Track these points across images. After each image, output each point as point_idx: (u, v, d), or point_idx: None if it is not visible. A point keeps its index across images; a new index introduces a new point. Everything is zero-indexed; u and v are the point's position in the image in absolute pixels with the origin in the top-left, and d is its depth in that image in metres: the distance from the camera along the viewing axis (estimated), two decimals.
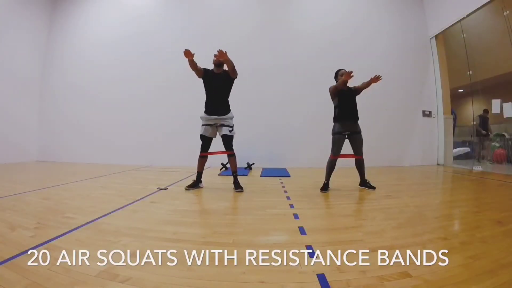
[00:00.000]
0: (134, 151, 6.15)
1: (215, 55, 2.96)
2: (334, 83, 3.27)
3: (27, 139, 6.50)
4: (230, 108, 3.20)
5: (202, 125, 3.15)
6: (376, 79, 2.99)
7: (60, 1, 6.91)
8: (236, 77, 3.13)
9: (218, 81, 3.10)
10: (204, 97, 3.18)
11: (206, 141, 3.13)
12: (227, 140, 3.08)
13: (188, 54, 2.85)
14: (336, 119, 3.16)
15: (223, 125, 3.11)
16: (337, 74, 3.24)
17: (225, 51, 2.86)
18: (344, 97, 3.13)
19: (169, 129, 6.03)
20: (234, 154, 3.14)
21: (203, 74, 3.12)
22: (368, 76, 3.13)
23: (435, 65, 6.21)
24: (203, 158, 3.16)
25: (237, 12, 6.19)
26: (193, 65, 2.97)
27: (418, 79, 6.21)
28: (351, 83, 3.10)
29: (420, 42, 6.26)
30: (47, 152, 6.61)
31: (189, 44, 6.21)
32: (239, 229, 1.77)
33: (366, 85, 3.10)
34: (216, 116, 3.09)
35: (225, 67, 3.08)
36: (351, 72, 2.80)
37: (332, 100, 3.23)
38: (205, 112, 3.14)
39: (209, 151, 3.19)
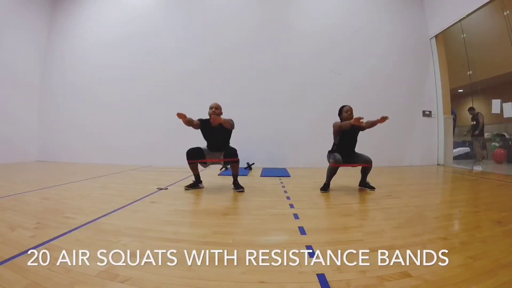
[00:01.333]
0: (134, 151, 6.15)
1: (210, 112, 3.02)
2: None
3: (27, 139, 6.50)
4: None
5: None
6: (382, 120, 2.80)
7: (60, 1, 6.92)
8: (233, 129, 3.13)
9: (216, 132, 3.08)
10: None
11: (198, 155, 3.05)
12: (233, 151, 3.03)
13: (180, 116, 2.85)
14: (333, 151, 3.08)
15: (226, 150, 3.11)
16: (341, 111, 3.11)
17: (218, 117, 2.85)
18: (347, 137, 3.04)
19: (169, 129, 6.01)
20: (238, 161, 3.09)
21: (201, 126, 3.10)
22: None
23: (435, 65, 6.21)
24: (193, 164, 3.09)
25: (237, 13, 6.19)
26: (188, 123, 2.99)
27: (418, 79, 6.21)
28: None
29: (420, 42, 6.26)
30: (47, 152, 6.61)
31: (190, 44, 6.27)
32: (239, 229, 1.77)
33: (371, 125, 2.91)
34: (220, 152, 3.12)
35: None
36: (361, 118, 2.65)
37: (334, 137, 3.12)
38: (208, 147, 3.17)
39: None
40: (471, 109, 6.16)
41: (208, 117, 3.13)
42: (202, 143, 3.21)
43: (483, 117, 6.08)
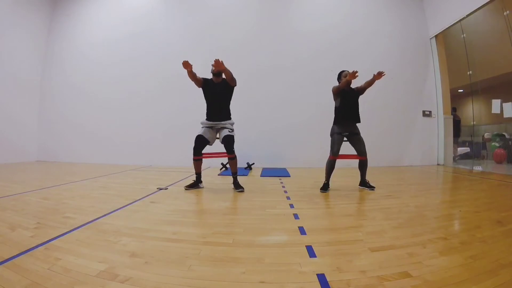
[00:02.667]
0: (134, 151, 6.15)
1: (212, 65, 2.95)
2: (336, 83, 3.24)
3: (27, 139, 6.50)
4: (232, 114, 3.20)
5: (202, 127, 3.14)
6: (379, 75, 2.94)
7: (60, 1, 6.92)
8: (235, 85, 3.12)
9: (217, 90, 3.09)
10: (204, 102, 3.18)
11: (200, 143, 3.06)
12: (228, 142, 3.03)
13: (186, 65, 2.86)
14: (335, 121, 3.13)
15: (223, 127, 3.10)
16: (340, 75, 3.19)
17: (221, 61, 2.85)
18: (347, 98, 3.09)
19: (169, 129, 6.03)
20: (235, 157, 3.09)
21: (203, 83, 3.11)
22: (368, 76, 3.13)
23: (435, 65, 6.21)
24: (198, 161, 3.11)
25: (237, 12, 6.19)
26: (192, 75, 2.97)
27: (418, 79, 6.21)
28: (353, 84, 3.08)
29: (420, 42, 6.26)
30: (47, 152, 6.61)
31: (190, 44, 6.27)
32: (239, 229, 1.77)
33: (370, 83, 3.05)
34: (217, 122, 3.10)
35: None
36: (356, 72, 2.75)
37: (334, 100, 3.20)
38: (206, 118, 3.15)
39: (208, 152, 3.17)
40: (453, 110, 6.26)
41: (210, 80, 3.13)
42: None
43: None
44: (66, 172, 4.60)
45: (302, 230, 1.72)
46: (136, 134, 6.18)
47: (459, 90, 7.40)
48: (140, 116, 6.21)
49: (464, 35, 5.57)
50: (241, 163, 4.59)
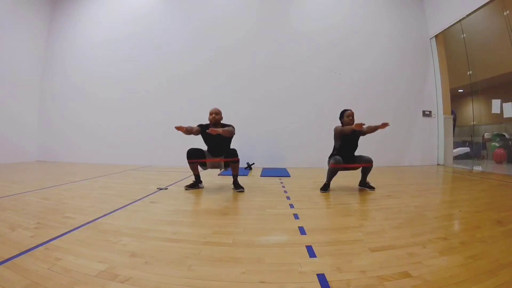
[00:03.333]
0: (134, 151, 6.15)
1: (210, 116, 3.01)
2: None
3: (27, 139, 6.50)
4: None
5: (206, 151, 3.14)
6: (383, 126, 2.79)
7: (60, 1, 6.92)
8: (233, 136, 3.09)
9: (216, 138, 3.02)
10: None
11: (198, 155, 3.05)
12: (232, 152, 3.02)
13: (179, 129, 2.81)
14: (332, 155, 3.09)
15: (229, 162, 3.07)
16: (342, 115, 3.12)
17: (216, 129, 2.81)
18: (348, 141, 3.05)
19: (169, 129, 5.96)
20: (238, 160, 3.07)
21: (201, 131, 3.07)
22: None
23: (435, 65, 6.21)
24: (193, 164, 3.08)
25: (237, 13, 6.19)
26: (188, 132, 2.93)
27: (418, 79, 6.21)
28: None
29: (420, 42, 6.26)
30: (47, 152, 6.61)
31: (190, 44, 6.27)
32: (239, 229, 1.77)
33: (372, 130, 2.92)
34: (222, 157, 3.09)
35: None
36: (362, 124, 2.65)
37: (334, 140, 3.13)
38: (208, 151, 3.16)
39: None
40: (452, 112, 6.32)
41: (208, 122, 3.13)
42: (203, 144, 3.21)
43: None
44: (66, 172, 4.60)
45: (302, 230, 1.72)
46: (136, 134, 6.18)
47: (459, 90, 7.41)
48: (140, 116, 6.22)
49: (464, 35, 5.57)
50: (241, 163, 4.58)
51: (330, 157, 3.13)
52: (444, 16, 5.78)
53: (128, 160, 6.04)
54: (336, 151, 3.10)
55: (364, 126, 2.72)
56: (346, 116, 3.06)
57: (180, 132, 2.84)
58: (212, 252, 1.39)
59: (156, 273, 1.15)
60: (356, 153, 3.14)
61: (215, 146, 3.12)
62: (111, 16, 6.55)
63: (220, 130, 2.80)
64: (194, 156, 3.03)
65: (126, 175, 4.34)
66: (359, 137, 3.11)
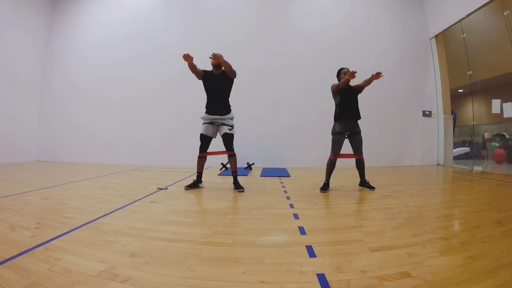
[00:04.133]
0: (134, 151, 6.15)
1: (211, 57, 3.00)
2: (336, 81, 3.27)
3: (27, 139, 6.50)
4: (231, 108, 3.21)
5: (203, 124, 3.16)
6: (377, 75, 2.99)
7: (60, 1, 6.92)
8: (235, 77, 3.14)
9: (217, 82, 3.11)
10: (205, 98, 3.19)
11: (205, 141, 3.12)
12: (228, 139, 3.08)
13: (187, 57, 2.89)
14: (336, 118, 3.15)
15: (223, 124, 3.12)
16: (339, 73, 3.24)
17: (220, 54, 2.92)
18: (346, 96, 3.13)
19: (169, 129, 6.03)
20: (234, 155, 3.14)
21: (203, 75, 3.14)
22: (367, 77, 3.14)
23: (435, 65, 6.21)
24: (202, 159, 3.16)
25: (237, 12, 6.19)
26: (192, 68, 3.01)
27: (418, 79, 6.21)
28: (352, 82, 3.10)
29: (420, 42, 6.26)
30: (47, 152, 6.61)
31: (190, 44, 6.27)
32: (239, 229, 1.77)
33: (368, 82, 3.10)
34: (216, 116, 3.10)
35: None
36: (355, 72, 2.80)
37: (334, 98, 3.24)
38: (206, 112, 3.15)
39: (209, 151, 3.19)
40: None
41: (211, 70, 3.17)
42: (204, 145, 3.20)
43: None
44: (66, 172, 4.60)
45: (302, 230, 1.72)
46: (136, 134, 6.18)
47: (459, 90, 7.40)
48: (140, 116, 6.22)
49: (464, 35, 5.57)
50: (241, 163, 4.59)
51: (335, 120, 3.17)
52: (444, 16, 5.78)
53: (128, 160, 6.04)
54: (338, 108, 3.15)
55: (356, 75, 2.82)
56: (342, 73, 3.17)
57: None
58: (212, 252, 1.39)
59: (156, 273, 1.15)
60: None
61: (214, 94, 3.12)
62: (111, 16, 6.55)
63: (222, 58, 2.87)
64: (205, 147, 3.10)
65: (126, 175, 4.34)
66: (357, 93, 3.19)
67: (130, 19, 6.42)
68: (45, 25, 6.80)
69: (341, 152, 3.10)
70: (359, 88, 3.18)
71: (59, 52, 6.77)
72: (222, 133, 3.10)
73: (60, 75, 6.71)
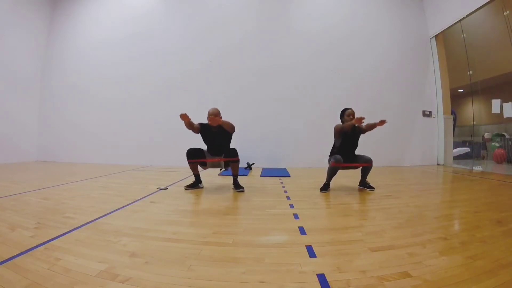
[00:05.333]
0: (134, 151, 6.15)
1: (209, 116, 2.96)
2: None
3: (27, 139, 6.50)
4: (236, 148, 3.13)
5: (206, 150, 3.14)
6: (381, 123, 2.87)
7: (60, 1, 6.92)
8: (234, 132, 3.07)
9: (215, 136, 3.08)
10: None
11: (198, 155, 3.06)
12: (232, 151, 3.03)
13: (184, 117, 2.80)
14: (332, 154, 3.10)
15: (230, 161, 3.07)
16: (343, 113, 3.13)
17: (217, 114, 2.92)
18: (349, 139, 3.05)
19: (169, 129, 6.02)
20: (238, 160, 3.08)
21: (200, 130, 3.09)
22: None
23: (435, 65, 6.21)
24: (193, 164, 3.09)
25: (237, 13, 6.18)
26: (189, 126, 2.94)
27: (418, 79, 6.21)
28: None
29: (420, 42, 6.26)
30: (47, 152, 6.61)
31: (190, 44, 6.26)
32: (239, 229, 1.77)
33: (371, 127, 2.98)
34: (220, 156, 3.10)
35: None
36: (363, 118, 2.68)
37: (335, 139, 3.14)
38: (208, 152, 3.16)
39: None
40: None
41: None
42: (203, 144, 3.21)
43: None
44: (66, 172, 4.60)
45: (302, 230, 1.72)
46: (136, 134, 6.18)
47: (459, 90, 7.41)
48: (140, 116, 6.21)
49: (464, 35, 5.57)
50: (241, 163, 4.58)
51: (330, 156, 3.14)
52: (444, 16, 5.78)
53: (128, 160, 6.04)
54: (336, 150, 3.11)
55: (363, 122, 2.72)
56: (346, 115, 3.07)
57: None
58: (212, 252, 1.39)
59: (156, 273, 1.15)
60: (356, 152, 3.14)
61: (215, 145, 3.12)
62: (111, 16, 6.55)
63: (220, 120, 2.83)
64: (194, 156, 3.04)
65: (126, 175, 4.34)
66: (359, 135, 3.11)
67: (130, 19, 6.42)
68: (45, 25, 6.80)
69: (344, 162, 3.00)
70: (362, 131, 3.08)
71: (59, 52, 6.77)
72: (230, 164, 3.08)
73: (60, 75, 6.71)
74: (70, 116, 6.52)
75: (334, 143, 3.17)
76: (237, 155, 3.03)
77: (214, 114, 3.00)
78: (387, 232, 1.68)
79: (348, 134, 3.01)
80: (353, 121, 2.76)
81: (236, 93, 5.92)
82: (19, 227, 1.72)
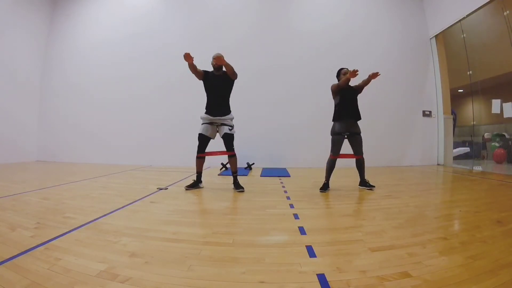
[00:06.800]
0: (134, 151, 6.15)
1: (213, 58, 3.00)
2: (335, 81, 3.27)
3: (27, 139, 6.50)
4: (231, 109, 3.20)
5: (202, 124, 3.15)
6: (374, 75, 3.00)
7: (60, 1, 6.92)
8: (235, 79, 3.14)
9: (218, 83, 3.11)
10: (205, 98, 3.19)
11: (203, 141, 3.12)
12: (228, 140, 3.07)
13: (188, 57, 2.88)
14: (336, 118, 3.15)
15: (223, 124, 3.11)
16: (339, 73, 3.24)
17: (222, 56, 2.93)
18: (346, 96, 3.13)
19: (169, 129, 6.03)
20: (235, 155, 3.13)
21: (203, 76, 3.14)
22: (368, 76, 3.14)
23: (435, 65, 6.21)
24: (200, 159, 3.15)
25: (237, 13, 6.19)
26: (192, 68, 3.00)
27: (418, 79, 6.21)
28: (351, 83, 3.11)
29: (420, 42, 6.26)
30: (47, 152, 6.61)
31: (190, 44, 6.27)
32: (239, 229, 1.77)
33: (366, 82, 3.11)
34: (217, 117, 3.10)
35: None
36: (356, 70, 2.79)
37: (334, 98, 3.24)
38: (206, 112, 3.15)
39: (209, 151, 3.18)
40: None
41: (211, 70, 3.17)
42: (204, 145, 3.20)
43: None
44: (66, 172, 4.60)
45: (302, 230, 1.72)
46: (136, 134, 6.18)
47: (459, 90, 7.40)
48: (140, 116, 6.21)
49: (464, 35, 5.57)
50: (241, 163, 4.59)
51: (333, 120, 3.18)
52: (444, 16, 5.78)
53: (128, 160, 6.04)
54: (337, 108, 3.16)
55: (357, 74, 2.81)
56: (342, 73, 3.18)
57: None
58: (212, 252, 1.39)
59: (156, 273, 1.15)
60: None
61: (216, 97, 3.11)
62: (111, 16, 6.55)
63: (225, 61, 2.89)
64: (203, 147, 3.10)
65: (126, 175, 4.34)
66: (357, 93, 3.20)
67: (130, 19, 6.42)
68: (45, 25, 6.80)
69: (341, 152, 3.10)
70: (359, 88, 3.19)
71: (59, 52, 6.77)
72: (222, 133, 3.09)
73: (60, 75, 6.71)
74: (70, 116, 6.52)
75: (334, 104, 3.23)
76: (233, 149, 3.10)
77: (219, 55, 3.03)
78: (387, 232, 1.68)
79: (346, 91, 3.12)
80: (348, 75, 2.87)
81: (236, 92, 5.88)
82: (19, 227, 1.72)
